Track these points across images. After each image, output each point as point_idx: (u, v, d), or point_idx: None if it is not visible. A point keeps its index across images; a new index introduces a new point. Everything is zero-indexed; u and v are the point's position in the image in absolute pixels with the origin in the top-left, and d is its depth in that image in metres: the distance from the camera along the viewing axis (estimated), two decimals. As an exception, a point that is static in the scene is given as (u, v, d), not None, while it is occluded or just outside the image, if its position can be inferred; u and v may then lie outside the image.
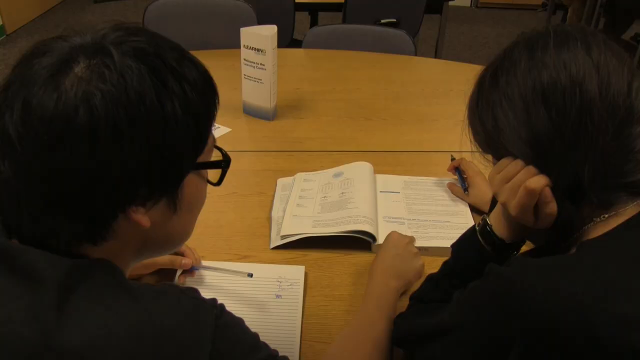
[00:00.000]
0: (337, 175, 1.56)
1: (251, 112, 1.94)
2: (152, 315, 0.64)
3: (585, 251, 0.79)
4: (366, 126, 1.93)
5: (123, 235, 0.70)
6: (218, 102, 0.74)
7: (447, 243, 1.31)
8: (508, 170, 0.85)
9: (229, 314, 0.72)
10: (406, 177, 1.59)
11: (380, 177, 1.57)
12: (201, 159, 0.74)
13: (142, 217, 0.69)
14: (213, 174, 0.81)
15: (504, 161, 0.86)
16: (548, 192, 0.82)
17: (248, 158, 1.74)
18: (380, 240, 1.32)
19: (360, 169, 1.56)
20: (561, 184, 0.81)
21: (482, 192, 1.44)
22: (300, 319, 1.14)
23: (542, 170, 0.82)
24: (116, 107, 0.61)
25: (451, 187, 1.52)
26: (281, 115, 1.96)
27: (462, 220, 1.42)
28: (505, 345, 0.74)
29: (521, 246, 0.97)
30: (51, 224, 0.66)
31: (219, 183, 0.81)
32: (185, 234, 0.81)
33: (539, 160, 0.82)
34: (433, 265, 1.28)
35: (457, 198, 1.50)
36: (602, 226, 0.82)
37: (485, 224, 0.98)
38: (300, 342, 1.09)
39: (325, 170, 1.60)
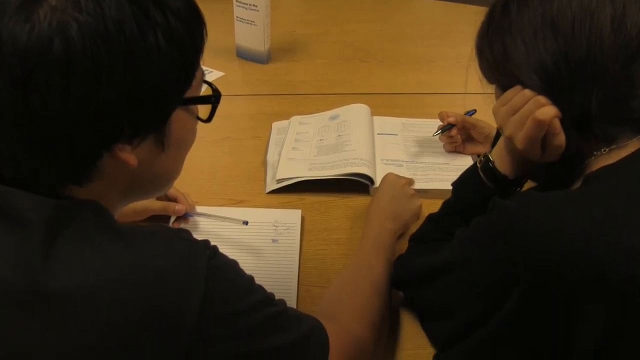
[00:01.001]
0: (333, 117, 1.52)
1: (244, 55, 1.89)
2: (143, 258, 0.62)
3: (590, 184, 0.77)
4: (362, 68, 1.88)
5: (109, 175, 0.67)
6: (206, 34, 0.70)
7: (447, 185, 1.29)
8: (515, 102, 0.83)
9: (223, 255, 0.69)
10: (404, 119, 1.55)
11: (378, 119, 1.54)
12: (189, 94, 0.70)
13: (129, 156, 0.65)
14: (203, 111, 0.77)
15: (509, 92, 0.84)
16: (557, 123, 0.80)
17: (242, 102, 1.70)
18: (378, 183, 1.29)
19: (357, 111, 1.52)
20: (569, 114, 0.79)
21: (484, 127, 1.38)
22: (298, 264, 1.12)
23: (550, 99, 0.80)
24: (94, 38, 0.57)
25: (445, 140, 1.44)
26: (275, 58, 1.90)
27: (461, 162, 1.38)
28: (509, 282, 0.72)
29: (524, 183, 0.95)
30: (33, 164, 0.63)
31: (209, 119, 0.78)
32: (174, 173, 0.78)
33: (546, 88, 0.80)
34: (432, 208, 1.26)
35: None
36: (604, 159, 0.80)
37: (487, 160, 0.95)
38: (298, 287, 1.07)
39: (321, 113, 1.56)
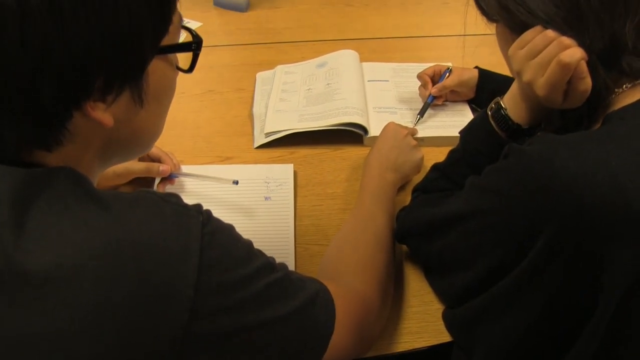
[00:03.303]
0: (320, 65, 1.44)
1: (222, 3, 1.79)
2: (128, 227, 0.55)
3: (614, 124, 0.71)
4: (347, 12, 1.79)
5: (82, 137, 0.59)
6: None
7: (443, 132, 1.24)
8: (535, 44, 0.75)
9: (217, 220, 0.63)
10: (394, 64, 1.48)
11: (367, 65, 1.46)
12: (166, 41, 0.62)
13: (103, 115, 0.58)
14: (183, 61, 0.69)
15: (529, 33, 0.76)
16: (584, 65, 0.72)
17: (223, 53, 1.61)
18: (372, 132, 1.23)
19: (345, 58, 1.44)
20: (596, 50, 0.72)
21: (464, 73, 1.30)
22: (293, 221, 1.06)
23: (573, 34, 0.73)
24: None
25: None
26: (255, 5, 1.81)
27: (456, 106, 1.32)
28: (533, 231, 0.67)
29: (537, 132, 0.88)
30: None
31: (190, 69, 0.70)
32: (156, 130, 0.70)
33: (569, 21, 0.72)
34: (430, 156, 1.21)
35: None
36: (627, 96, 0.74)
37: (499, 107, 0.87)
38: (295, 246, 1.02)
39: (307, 61, 1.48)
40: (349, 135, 1.23)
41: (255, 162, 1.20)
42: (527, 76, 0.78)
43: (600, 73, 0.73)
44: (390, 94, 1.36)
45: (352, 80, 1.35)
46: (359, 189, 1.05)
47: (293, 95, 1.35)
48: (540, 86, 0.76)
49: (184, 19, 1.77)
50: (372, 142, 1.22)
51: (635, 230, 0.62)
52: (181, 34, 0.67)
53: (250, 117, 1.33)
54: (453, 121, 1.27)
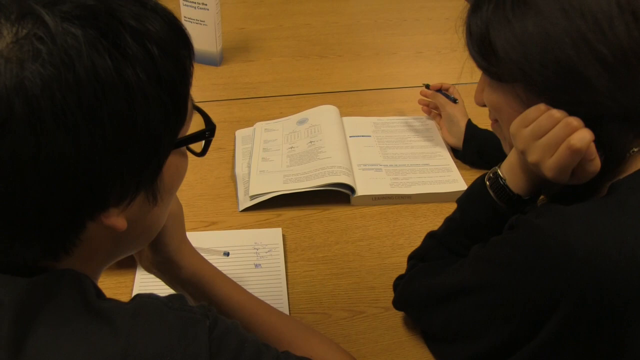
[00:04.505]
0: (301, 122, 1.42)
1: (195, 58, 1.76)
2: (132, 343, 0.51)
3: (624, 193, 0.70)
4: (322, 64, 1.79)
5: (93, 241, 0.56)
6: (193, 55, 0.59)
7: (430, 188, 1.24)
8: (540, 124, 0.72)
9: (224, 321, 0.59)
10: (375, 119, 1.47)
11: (348, 120, 1.45)
12: (181, 133, 0.59)
13: (117, 220, 0.54)
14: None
15: (531, 112, 0.73)
16: (593, 148, 0.70)
17: (198, 110, 1.58)
18: (359, 191, 1.21)
19: (326, 114, 1.43)
20: (611, 115, 0.70)
21: (457, 124, 1.32)
22: (286, 290, 1.02)
23: (567, 98, 0.71)
24: (62, 92, 0.46)
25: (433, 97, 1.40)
26: (228, 59, 1.79)
27: (441, 162, 1.32)
28: (547, 307, 0.66)
29: (538, 200, 0.86)
30: (1, 246, 0.52)
31: (202, 153, 0.67)
32: (163, 220, 0.68)
33: (566, 86, 0.70)
34: (417, 214, 1.21)
35: (432, 138, 1.39)
36: (632, 163, 0.73)
37: (497, 177, 0.85)
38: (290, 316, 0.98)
39: (287, 117, 1.46)
40: (335, 194, 1.21)
41: (242, 227, 1.17)
42: (533, 157, 0.75)
43: (610, 135, 0.71)
44: (373, 150, 1.35)
45: (335, 137, 1.34)
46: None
47: (275, 155, 1.32)
48: (549, 168, 0.73)
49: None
50: (359, 202, 1.21)
51: None
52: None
53: (233, 178, 1.30)
54: (440, 177, 1.27)
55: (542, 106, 0.73)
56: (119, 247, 0.62)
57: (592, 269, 0.62)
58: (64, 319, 0.51)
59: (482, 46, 0.76)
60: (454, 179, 1.27)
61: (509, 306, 0.71)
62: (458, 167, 1.31)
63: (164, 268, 0.80)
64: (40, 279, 0.52)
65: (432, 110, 1.43)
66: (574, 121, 0.70)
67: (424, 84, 1.43)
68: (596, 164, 0.72)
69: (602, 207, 0.68)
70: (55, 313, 0.51)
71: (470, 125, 1.29)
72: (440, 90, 1.39)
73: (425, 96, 1.43)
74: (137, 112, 0.50)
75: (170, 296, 0.58)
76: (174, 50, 0.54)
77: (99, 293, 0.57)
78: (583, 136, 0.69)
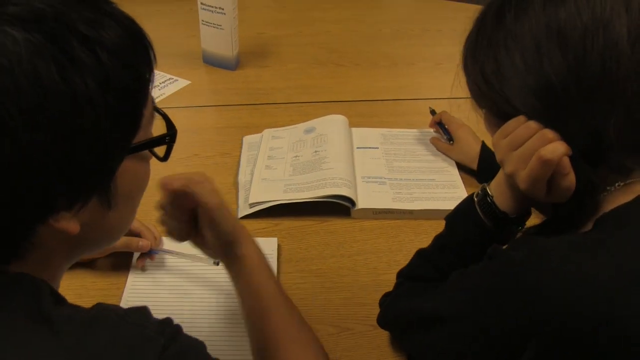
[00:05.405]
0: (308, 130, 1.41)
1: (211, 61, 1.77)
2: (79, 356, 0.50)
3: (605, 228, 0.67)
4: (337, 73, 1.77)
5: (46, 244, 0.55)
6: (154, 61, 0.58)
7: (433, 205, 1.21)
8: (517, 135, 0.71)
9: (184, 341, 0.57)
10: (384, 130, 1.45)
11: (357, 131, 1.43)
12: (140, 136, 0.58)
13: (68, 224, 0.54)
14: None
15: (511, 123, 0.72)
16: (567, 161, 0.68)
17: (210, 114, 1.58)
18: (360, 204, 1.19)
19: (334, 123, 1.41)
20: (579, 145, 0.68)
21: (469, 146, 1.30)
22: (275, 302, 1.01)
23: (553, 127, 0.69)
24: (2, 101, 0.45)
25: (435, 142, 1.38)
26: (244, 63, 1.78)
27: (448, 178, 1.29)
28: (515, 343, 0.64)
29: (526, 220, 0.84)
30: None
31: (165, 158, 0.66)
32: (127, 224, 0.67)
33: (550, 114, 0.68)
34: (418, 230, 1.18)
35: (441, 153, 1.37)
36: (619, 196, 0.70)
37: (485, 194, 0.83)
38: (276, 328, 0.97)
39: (295, 126, 1.45)
40: (336, 206, 1.20)
41: (238, 235, 1.15)
42: (508, 168, 0.74)
43: (585, 170, 0.69)
44: (379, 162, 1.33)
45: (340, 147, 1.32)
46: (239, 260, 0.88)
47: (279, 163, 1.31)
48: (521, 179, 0.72)
49: (174, 76, 1.74)
50: (359, 215, 1.19)
51: (626, 349, 0.58)
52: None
53: (235, 185, 1.29)
54: (445, 193, 1.24)
55: (521, 117, 0.71)
56: (77, 250, 0.61)
57: (561, 308, 0.60)
58: (10, 329, 0.50)
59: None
60: (459, 196, 1.23)
61: (478, 340, 0.69)
62: (465, 184, 1.28)
63: (228, 250, 0.86)
64: None
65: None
66: (549, 133, 0.68)
67: (430, 108, 1.42)
68: (570, 179, 0.69)
69: (579, 242, 0.65)
70: (4, 319, 0.50)
71: (485, 149, 1.26)
72: (440, 122, 1.37)
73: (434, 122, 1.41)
74: (84, 119, 0.49)
75: (130, 309, 0.57)
76: (128, 57, 0.53)
77: (58, 299, 0.56)
78: (555, 148, 0.68)
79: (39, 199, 0.50)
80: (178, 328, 0.57)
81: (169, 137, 0.64)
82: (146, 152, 0.62)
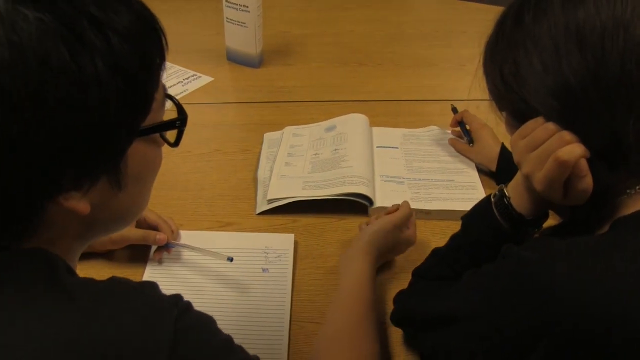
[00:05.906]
0: (329, 129, 1.42)
1: (235, 58, 1.78)
2: (94, 323, 0.51)
3: (622, 232, 0.67)
4: (360, 72, 1.77)
5: (57, 223, 0.57)
6: (165, 47, 0.59)
7: (451, 205, 1.21)
8: (535, 136, 0.71)
9: (195, 314, 0.59)
10: (405, 130, 1.45)
11: (377, 131, 1.43)
12: (148, 120, 0.59)
13: (78, 203, 0.55)
14: (170, 131, 0.66)
15: (530, 124, 0.72)
16: (584, 164, 0.68)
17: (232, 110, 1.60)
18: (378, 202, 1.20)
19: (354, 122, 1.42)
20: (597, 147, 0.68)
21: (489, 147, 1.29)
22: (290, 297, 1.02)
23: (571, 128, 0.68)
24: (9, 77, 0.46)
25: (453, 144, 1.37)
26: (268, 61, 1.80)
27: (467, 179, 1.29)
28: (526, 343, 0.63)
29: (543, 223, 0.83)
30: None
31: (176, 144, 0.67)
32: (139, 208, 0.68)
33: (569, 116, 0.68)
34: (436, 230, 1.18)
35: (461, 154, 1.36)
36: (638, 199, 0.70)
37: (502, 195, 0.83)
38: (290, 323, 0.98)
39: (316, 124, 1.46)
40: (353, 204, 1.20)
41: (256, 230, 1.17)
42: (525, 169, 0.74)
43: (603, 173, 0.69)
44: (399, 161, 1.33)
45: (360, 146, 1.33)
46: (341, 271, 0.99)
47: (299, 160, 1.32)
48: (538, 181, 0.72)
49: (197, 72, 1.76)
50: (377, 213, 1.19)
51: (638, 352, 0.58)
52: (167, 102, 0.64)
53: (254, 180, 1.30)
54: (463, 194, 1.24)
55: (540, 119, 0.71)
56: (89, 233, 0.62)
57: (574, 309, 0.60)
58: (27, 297, 0.51)
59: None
60: (477, 198, 1.22)
61: (489, 339, 0.69)
62: (485, 186, 1.28)
63: None
64: (6, 254, 0.53)
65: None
66: (567, 135, 0.68)
67: (452, 106, 1.42)
68: (586, 181, 0.69)
69: (594, 245, 0.64)
70: (20, 287, 0.52)
71: (504, 150, 1.26)
72: (461, 122, 1.37)
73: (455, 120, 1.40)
74: (90, 99, 0.50)
75: (143, 282, 0.59)
76: (138, 41, 0.54)
77: (71, 271, 0.58)
78: (572, 150, 0.67)
79: (44, 175, 0.51)
80: (189, 302, 0.59)
81: (180, 121, 0.65)
82: (157, 136, 0.63)
